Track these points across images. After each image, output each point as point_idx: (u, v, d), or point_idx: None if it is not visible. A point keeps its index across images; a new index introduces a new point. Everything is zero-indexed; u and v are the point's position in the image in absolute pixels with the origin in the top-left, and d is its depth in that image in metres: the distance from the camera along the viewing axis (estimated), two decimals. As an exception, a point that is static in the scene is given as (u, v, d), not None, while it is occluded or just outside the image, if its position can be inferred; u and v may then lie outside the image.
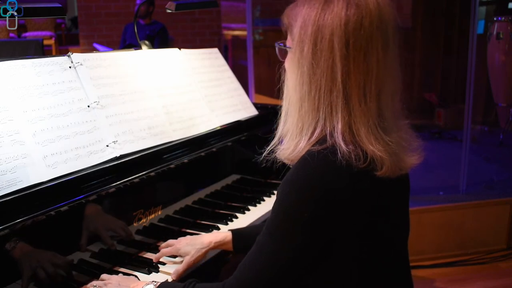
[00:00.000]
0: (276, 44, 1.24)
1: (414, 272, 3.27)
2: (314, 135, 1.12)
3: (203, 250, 1.57)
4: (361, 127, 1.09)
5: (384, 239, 1.19)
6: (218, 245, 1.60)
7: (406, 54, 5.70)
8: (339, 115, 1.09)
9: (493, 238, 3.46)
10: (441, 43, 5.63)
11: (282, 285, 1.15)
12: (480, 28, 4.79)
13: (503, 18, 4.66)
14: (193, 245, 1.57)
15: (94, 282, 1.42)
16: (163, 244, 1.64)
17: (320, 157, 1.08)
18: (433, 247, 3.36)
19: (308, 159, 1.09)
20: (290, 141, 1.16)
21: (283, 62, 1.23)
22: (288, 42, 1.20)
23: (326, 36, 1.08)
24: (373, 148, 1.08)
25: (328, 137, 1.10)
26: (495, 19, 4.74)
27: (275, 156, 1.21)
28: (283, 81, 1.21)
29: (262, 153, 1.24)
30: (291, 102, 1.17)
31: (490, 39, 4.72)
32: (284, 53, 1.22)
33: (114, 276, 1.45)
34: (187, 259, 1.54)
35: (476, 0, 3.47)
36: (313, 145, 1.12)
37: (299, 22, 1.12)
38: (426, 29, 5.65)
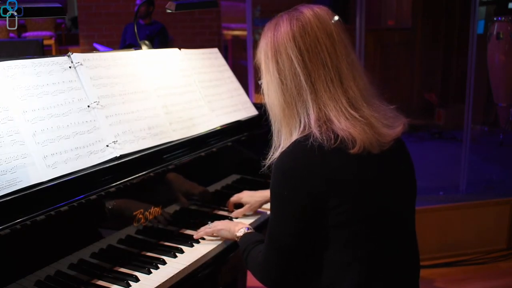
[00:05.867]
0: (259, 82, 1.45)
1: (414, 272, 3.23)
2: (299, 132, 1.31)
3: (259, 202, 1.95)
4: (331, 110, 1.28)
5: (377, 216, 1.29)
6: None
7: (406, 54, 5.72)
8: (312, 109, 1.29)
9: (493, 238, 3.46)
10: (441, 43, 5.63)
11: (289, 256, 1.33)
12: (480, 28, 4.79)
13: (503, 18, 4.66)
14: (252, 197, 1.95)
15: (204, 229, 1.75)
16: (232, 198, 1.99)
17: (295, 143, 1.28)
18: (433, 247, 3.36)
19: (286, 147, 1.30)
20: (284, 145, 1.34)
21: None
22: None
23: (283, 52, 1.32)
24: (342, 126, 1.26)
25: (306, 128, 1.30)
26: (495, 19, 4.73)
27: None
28: (269, 106, 1.41)
29: (264, 160, 1.41)
30: (277, 118, 1.37)
31: (490, 39, 4.72)
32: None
33: (217, 222, 1.76)
34: (247, 207, 1.95)
35: (476, 0, 3.47)
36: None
37: (262, 54, 1.38)
38: (426, 29, 5.65)
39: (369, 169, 1.28)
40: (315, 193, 1.25)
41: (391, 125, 1.32)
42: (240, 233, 1.63)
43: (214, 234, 1.74)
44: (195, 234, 1.75)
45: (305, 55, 1.29)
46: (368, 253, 1.29)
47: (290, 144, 1.29)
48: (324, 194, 1.24)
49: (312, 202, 1.25)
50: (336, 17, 1.36)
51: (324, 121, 1.27)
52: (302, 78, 1.29)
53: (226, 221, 1.78)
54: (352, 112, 1.28)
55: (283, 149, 1.31)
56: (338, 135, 1.25)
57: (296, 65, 1.30)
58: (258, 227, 1.89)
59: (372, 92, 1.35)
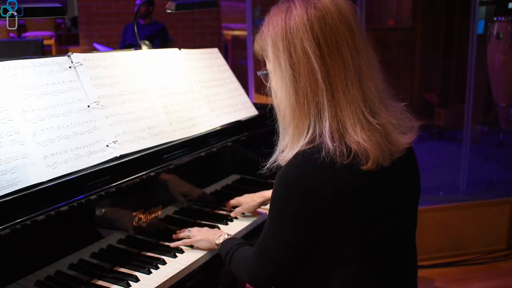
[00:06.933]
0: (258, 73, 1.31)
1: (414, 272, 3.25)
2: (307, 138, 1.18)
3: (258, 203, 1.90)
4: (347, 117, 1.15)
5: (385, 231, 1.23)
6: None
7: (406, 54, 5.71)
8: (326, 113, 1.15)
9: (493, 238, 3.46)
10: (441, 43, 5.63)
11: (281, 266, 1.26)
12: (480, 28, 4.79)
13: (503, 18, 4.66)
14: (251, 197, 1.93)
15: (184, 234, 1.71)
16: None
17: (304, 155, 1.15)
18: (433, 247, 3.36)
19: (293, 158, 1.17)
20: (289, 150, 1.22)
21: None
22: (268, 66, 1.27)
23: (298, 45, 1.15)
24: (358, 138, 1.13)
25: (317, 136, 1.16)
26: (495, 19, 4.73)
27: (278, 164, 1.26)
28: (276, 104, 1.27)
29: (265, 163, 1.31)
30: (286, 117, 1.22)
31: (490, 39, 4.72)
32: (267, 77, 1.29)
33: (195, 230, 1.71)
34: (244, 206, 1.91)
35: (476, 0, 3.47)
36: (304, 146, 1.17)
37: (269, 43, 1.20)
38: (426, 29, 5.64)
39: (378, 185, 1.19)
40: (321, 211, 1.15)
41: (404, 132, 1.24)
42: (219, 240, 1.58)
43: (194, 245, 1.68)
44: (171, 244, 1.69)
45: (324, 50, 1.14)
46: (372, 270, 1.23)
47: (298, 155, 1.16)
48: (331, 212, 1.15)
49: (316, 220, 1.16)
50: (354, 7, 1.21)
51: (337, 129, 1.15)
52: (319, 76, 1.14)
53: (205, 229, 1.71)
54: (370, 119, 1.16)
55: (288, 159, 1.19)
56: (351, 150, 1.13)
57: (314, 61, 1.14)
58: (258, 227, 1.89)
59: (388, 92, 1.26)
